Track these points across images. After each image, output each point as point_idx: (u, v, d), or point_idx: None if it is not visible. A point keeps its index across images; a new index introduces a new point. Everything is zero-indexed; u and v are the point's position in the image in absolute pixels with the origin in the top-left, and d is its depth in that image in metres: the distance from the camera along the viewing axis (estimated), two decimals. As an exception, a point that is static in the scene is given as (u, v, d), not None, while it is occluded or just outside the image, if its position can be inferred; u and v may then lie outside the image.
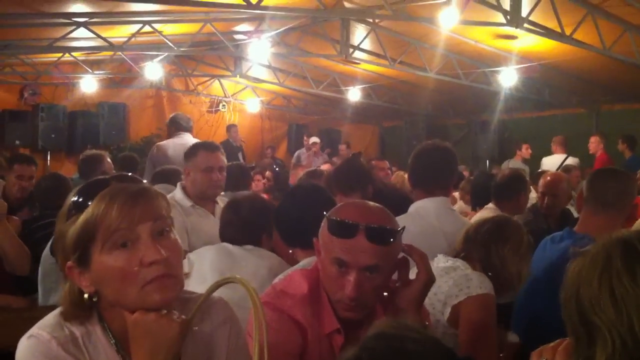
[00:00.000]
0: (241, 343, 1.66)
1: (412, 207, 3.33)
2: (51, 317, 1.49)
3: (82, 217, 1.43)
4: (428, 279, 1.94)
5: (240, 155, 12.08)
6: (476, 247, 2.72)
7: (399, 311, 1.91)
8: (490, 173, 7.25)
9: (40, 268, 3.99)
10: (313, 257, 2.41)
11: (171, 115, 7.00)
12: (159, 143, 6.71)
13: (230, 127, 13.41)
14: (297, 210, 2.86)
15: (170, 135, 6.64)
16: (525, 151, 10.63)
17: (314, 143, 12.93)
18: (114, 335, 1.48)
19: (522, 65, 9.76)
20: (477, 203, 5.43)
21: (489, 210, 4.60)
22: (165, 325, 1.42)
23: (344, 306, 1.90)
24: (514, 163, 9.99)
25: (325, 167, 8.61)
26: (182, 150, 4.38)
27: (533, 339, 1.89)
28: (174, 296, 1.45)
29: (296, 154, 13.62)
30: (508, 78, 10.21)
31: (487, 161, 12.87)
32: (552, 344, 1.51)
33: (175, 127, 6.57)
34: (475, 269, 2.64)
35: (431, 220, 3.23)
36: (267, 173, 8.51)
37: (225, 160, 4.16)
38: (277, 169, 8.28)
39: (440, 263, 2.67)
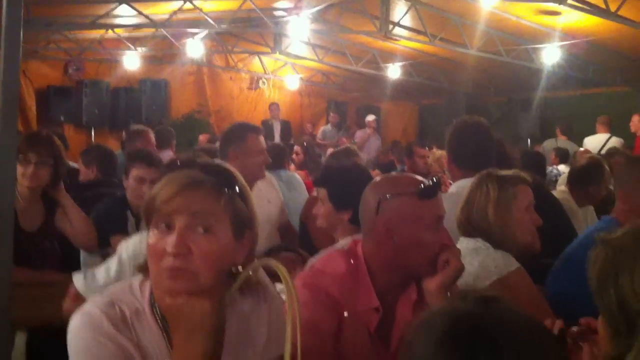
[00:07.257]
0: (281, 321, 1.68)
1: (454, 187, 3.23)
2: (103, 296, 1.55)
3: (148, 194, 1.52)
4: (460, 267, 2.03)
5: (276, 134, 12.21)
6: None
7: (429, 294, 2.01)
8: (538, 152, 6.91)
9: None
10: (349, 237, 2.47)
11: None
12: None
13: (272, 105, 13.46)
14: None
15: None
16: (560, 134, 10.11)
17: (375, 120, 13.30)
18: (163, 315, 1.52)
19: (566, 42, 9.56)
20: None
21: (559, 193, 4.52)
22: (195, 305, 1.43)
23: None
24: (562, 142, 9.58)
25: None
26: None
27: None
28: (185, 289, 1.43)
29: (321, 129, 13.73)
30: (551, 55, 9.96)
31: (528, 140, 12.69)
32: (575, 328, 1.53)
33: None
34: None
35: None
36: (296, 147, 8.54)
37: None
38: (305, 144, 8.28)
39: (463, 244, 2.63)
